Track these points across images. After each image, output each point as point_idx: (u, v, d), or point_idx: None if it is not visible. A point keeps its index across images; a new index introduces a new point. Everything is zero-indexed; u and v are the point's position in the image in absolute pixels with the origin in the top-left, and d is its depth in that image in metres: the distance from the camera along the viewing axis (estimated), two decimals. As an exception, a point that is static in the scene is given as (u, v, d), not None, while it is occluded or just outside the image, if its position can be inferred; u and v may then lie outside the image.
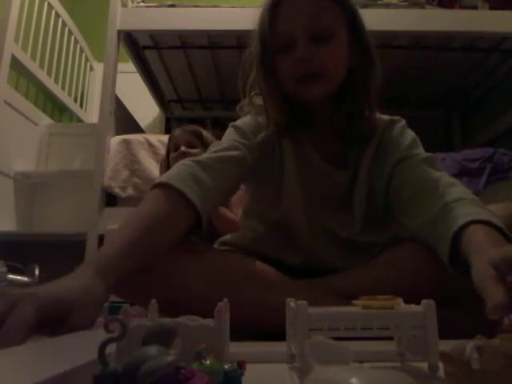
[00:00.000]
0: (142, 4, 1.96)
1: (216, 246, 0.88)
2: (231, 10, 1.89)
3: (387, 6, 1.92)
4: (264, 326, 0.62)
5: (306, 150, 0.80)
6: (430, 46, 2.05)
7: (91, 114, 2.69)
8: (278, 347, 0.45)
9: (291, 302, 0.42)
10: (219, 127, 1.40)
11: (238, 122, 0.82)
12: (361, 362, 0.40)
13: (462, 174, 1.72)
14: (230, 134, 0.80)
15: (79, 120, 2.61)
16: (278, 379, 0.39)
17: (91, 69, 2.75)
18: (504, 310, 0.38)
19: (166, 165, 1.45)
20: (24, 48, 2.00)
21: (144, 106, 2.58)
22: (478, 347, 0.29)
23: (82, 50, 2.57)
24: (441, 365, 0.36)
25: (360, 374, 0.24)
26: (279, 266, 0.75)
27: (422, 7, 1.93)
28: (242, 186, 0.88)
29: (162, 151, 1.69)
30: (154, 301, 0.41)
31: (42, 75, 2.17)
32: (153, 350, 0.23)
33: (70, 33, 2.41)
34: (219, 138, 0.84)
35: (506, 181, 1.73)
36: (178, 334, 0.27)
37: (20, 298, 0.44)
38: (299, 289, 0.69)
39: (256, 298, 0.68)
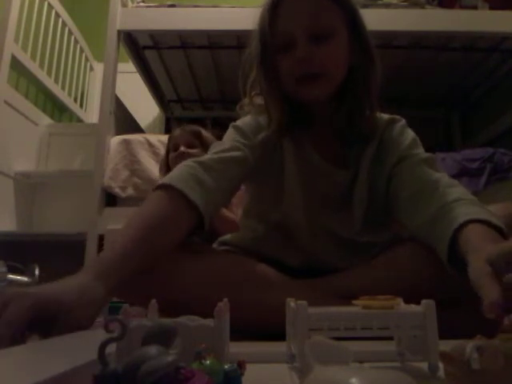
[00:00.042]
0: (142, 4, 1.96)
1: (215, 245, 0.88)
2: (231, 10, 1.89)
3: (387, 5, 1.92)
4: (264, 326, 0.62)
5: (306, 149, 0.80)
6: (430, 45, 2.05)
7: (91, 114, 2.69)
8: (278, 347, 0.45)
9: (291, 302, 0.42)
10: (219, 127, 1.40)
11: (238, 122, 0.82)
12: (361, 362, 0.40)
13: (461, 174, 1.72)
14: (230, 135, 0.80)
15: (79, 120, 2.61)
16: (277, 379, 0.39)
17: (91, 69, 2.75)
18: (500, 308, 0.38)
19: (165, 165, 1.45)
20: (24, 48, 2.00)
21: (144, 106, 2.57)
22: (478, 347, 0.29)
23: (82, 50, 2.57)
24: (441, 365, 0.36)
25: (360, 374, 0.24)
26: (279, 266, 0.75)
27: (422, 7, 1.93)
28: (242, 186, 0.88)
29: (162, 151, 1.69)
30: (153, 301, 0.41)
31: (41, 75, 2.17)
32: (153, 350, 0.23)
33: (70, 33, 2.41)
34: (219, 138, 0.84)
35: (506, 181, 1.73)
36: (178, 333, 0.27)
37: (12, 298, 0.44)
38: (299, 289, 0.69)
39: (256, 298, 0.68)
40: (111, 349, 0.25)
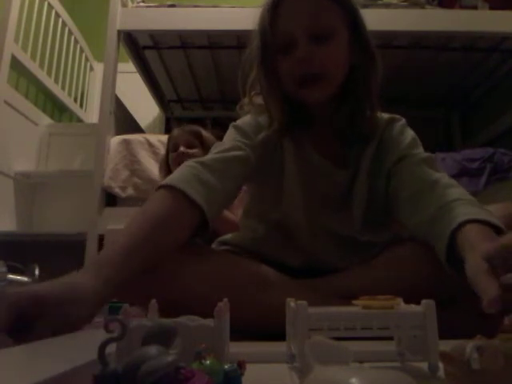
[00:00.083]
0: (142, 4, 1.96)
1: (215, 245, 0.88)
2: (231, 10, 1.89)
3: (387, 5, 1.92)
4: (264, 326, 0.62)
5: (306, 150, 0.80)
6: (430, 45, 2.05)
7: (91, 114, 2.69)
8: (278, 347, 0.45)
9: (291, 302, 0.42)
10: (219, 127, 1.41)
11: (238, 122, 0.82)
12: (361, 362, 0.40)
13: (461, 174, 1.72)
14: (231, 134, 0.80)
15: (79, 120, 2.61)
16: (278, 379, 0.39)
17: (91, 69, 2.75)
18: (499, 303, 0.38)
19: (165, 165, 1.45)
20: (24, 48, 2.00)
21: (144, 106, 2.58)
22: (478, 347, 0.29)
23: (82, 50, 2.57)
24: (441, 365, 0.36)
25: (360, 374, 0.24)
26: (279, 266, 0.75)
27: (422, 7, 1.93)
28: (243, 187, 0.88)
29: (162, 151, 1.69)
30: (154, 301, 0.41)
31: (41, 75, 2.17)
32: (153, 350, 0.23)
33: (70, 33, 2.41)
34: (219, 138, 0.84)
35: (506, 181, 1.73)
36: (178, 333, 0.27)
37: None
38: (299, 289, 0.69)
39: (256, 298, 0.68)
40: (111, 349, 0.25)
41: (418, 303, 0.40)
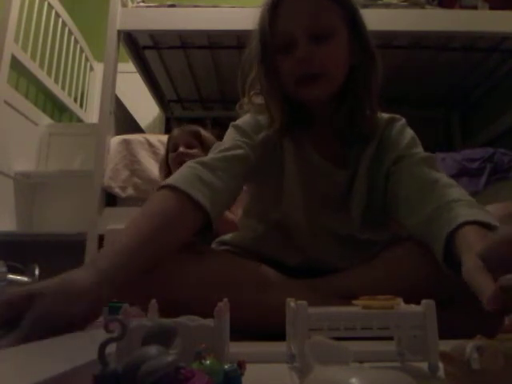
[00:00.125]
0: (142, 4, 1.96)
1: (214, 245, 0.88)
2: (231, 10, 1.89)
3: (387, 5, 1.92)
4: (264, 326, 0.62)
5: (306, 149, 0.80)
6: (430, 45, 2.05)
7: (91, 114, 2.69)
8: (278, 347, 0.45)
9: (291, 302, 0.42)
10: (219, 127, 1.41)
11: (238, 122, 0.82)
12: (361, 362, 0.40)
13: (461, 174, 1.72)
14: (231, 134, 0.80)
15: (79, 120, 2.61)
16: (278, 379, 0.39)
17: (91, 69, 2.75)
18: (498, 301, 0.38)
19: (165, 165, 1.45)
20: (24, 48, 2.00)
21: (144, 106, 2.58)
22: (478, 347, 0.29)
23: (82, 50, 2.57)
24: (441, 365, 0.36)
25: (360, 374, 0.24)
26: (279, 266, 0.75)
27: (422, 7, 1.93)
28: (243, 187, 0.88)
29: (162, 151, 1.69)
30: (154, 301, 0.41)
31: (41, 75, 2.17)
32: (153, 350, 0.23)
33: (70, 33, 2.41)
34: (219, 138, 0.84)
35: (506, 181, 1.73)
36: (178, 333, 0.27)
37: None
38: (299, 289, 0.69)
39: (256, 298, 0.68)
40: (111, 349, 0.25)
41: (418, 303, 0.40)
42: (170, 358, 0.23)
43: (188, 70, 2.30)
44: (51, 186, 2.14)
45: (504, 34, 1.90)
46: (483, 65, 2.20)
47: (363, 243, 0.79)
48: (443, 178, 0.70)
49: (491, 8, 1.95)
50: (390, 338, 0.44)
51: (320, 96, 0.76)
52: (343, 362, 0.31)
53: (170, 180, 0.67)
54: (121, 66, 1.90)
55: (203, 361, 0.27)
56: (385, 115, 0.82)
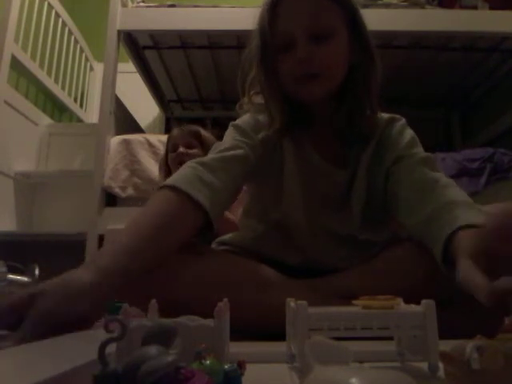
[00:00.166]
0: (142, 4, 1.96)
1: (214, 245, 0.88)
2: (231, 10, 1.89)
3: (387, 5, 1.92)
4: (264, 326, 0.62)
5: (306, 149, 0.80)
6: (430, 45, 2.05)
7: (91, 114, 2.69)
8: (278, 347, 0.45)
9: (291, 302, 0.42)
10: (219, 127, 1.41)
11: (238, 121, 0.82)
12: (361, 362, 0.40)
13: (461, 174, 1.72)
14: (230, 134, 0.80)
15: (79, 120, 2.61)
16: (278, 379, 0.39)
17: (91, 69, 2.75)
18: (496, 295, 0.37)
19: (165, 165, 1.45)
20: (24, 48, 2.01)
21: (144, 106, 2.58)
22: (478, 347, 0.29)
23: (82, 50, 2.57)
24: (441, 365, 0.36)
25: (360, 374, 0.24)
26: (279, 266, 0.75)
27: (422, 7, 1.93)
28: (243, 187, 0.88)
29: (162, 151, 1.69)
30: (153, 301, 0.41)
31: (42, 75, 2.17)
32: (153, 350, 0.23)
33: (70, 33, 2.41)
34: (219, 138, 0.84)
35: (506, 181, 1.73)
36: (178, 333, 0.27)
37: None
38: (299, 289, 0.68)
39: (256, 298, 0.68)
40: (111, 349, 0.25)
41: (418, 303, 0.40)
42: (170, 358, 0.23)
43: (188, 70, 2.30)
44: (51, 186, 2.14)
45: (504, 33, 1.90)
46: (483, 65, 2.20)
47: (363, 243, 0.79)
48: (442, 178, 0.70)
49: (491, 8, 1.95)
50: (390, 338, 0.44)
51: (319, 95, 0.76)
52: (343, 362, 0.31)
53: (171, 180, 0.67)
54: (121, 66, 1.90)
55: (203, 361, 0.27)
56: (385, 115, 0.82)
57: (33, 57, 2.08)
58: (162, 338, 0.26)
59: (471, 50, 2.06)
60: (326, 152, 0.80)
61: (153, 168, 1.76)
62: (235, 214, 1.16)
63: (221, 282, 0.68)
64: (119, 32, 1.86)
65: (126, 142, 1.81)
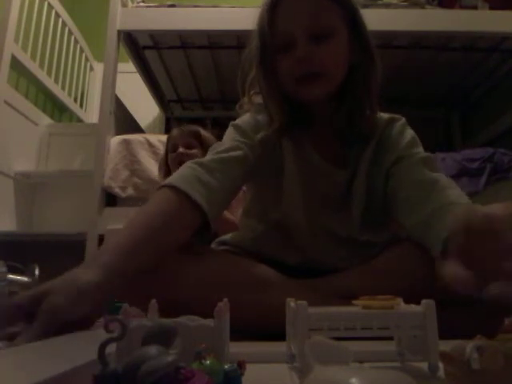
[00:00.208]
0: (142, 4, 1.96)
1: (214, 245, 0.88)
2: (231, 10, 1.89)
3: (387, 5, 1.92)
4: (264, 326, 0.62)
5: (306, 149, 0.80)
6: (430, 45, 2.05)
7: (91, 114, 2.69)
8: (278, 347, 0.45)
9: (291, 302, 0.42)
10: (219, 127, 1.41)
11: (238, 121, 0.82)
12: (361, 362, 0.40)
13: (461, 174, 1.72)
14: (230, 134, 0.80)
15: (79, 120, 2.61)
16: (278, 379, 0.39)
17: (91, 69, 2.75)
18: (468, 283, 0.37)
19: (164, 165, 1.45)
20: (24, 48, 2.00)
21: (144, 106, 2.58)
22: (478, 347, 0.29)
23: (82, 50, 2.57)
24: (441, 365, 0.36)
25: (360, 374, 0.24)
26: (279, 266, 0.75)
27: (422, 7, 1.93)
28: (243, 187, 0.88)
29: (162, 151, 1.69)
30: (154, 301, 0.41)
31: (42, 75, 2.17)
32: (153, 350, 0.23)
33: (70, 33, 2.41)
34: (219, 138, 0.84)
35: (506, 181, 1.73)
36: (178, 333, 0.27)
37: None
38: (299, 289, 0.68)
39: (256, 298, 0.68)
40: (111, 349, 0.25)
41: (418, 303, 0.40)
42: (170, 358, 0.23)
43: (188, 70, 2.30)
44: (51, 186, 2.14)
45: (504, 33, 1.90)
46: (483, 65, 2.19)
47: (363, 244, 0.79)
48: (442, 178, 0.70)
49: (491, 8, 1.95)
50: (390, 338, 0.44)
51: (319, 95, 0.76)
52: (343, 362, 0.31)
53: (170, 180, 0.67)
54: (121, 66, 1.90)
55: (203, 361, 0.27)
56: (385, 115, 0.82)
57: (33, 57, 2.08)
58: (162, 338, 0.26)
59: (471, 50, 2.06)
60: (326, 152, 0.80)
61: (153, 168, 1.76)
62: (235, 214, 1.16)
63: (221, 282, 0.68)
64: (119, 32, 1.86)
65: (126, 142, 1.81)
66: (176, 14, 1.88)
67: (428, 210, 0.65)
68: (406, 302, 0.42)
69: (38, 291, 0.47)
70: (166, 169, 1.43)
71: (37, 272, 1.45)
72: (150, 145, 1.83)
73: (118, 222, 1.55)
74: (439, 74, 2.30)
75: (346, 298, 0.46)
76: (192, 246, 0.70)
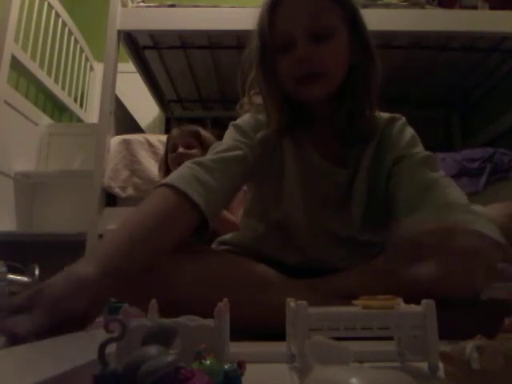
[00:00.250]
0: (142, 4, 1.96)
1: (215, 245, 0.88)
2: (231, 10, 1.89)
3: (387, 5, 1.92)
4: (264, 326, 0.62)
5: (306, 149, 0.80)
6: (430, 45, 2.05)
7: (91, 114, 2.69)
8: (278, 347, 0.45)
9: (291, 302, 0.42)
10: (219, 127, 1.41)
11: (238, 121, 0.82)
12: (361, 362, 0.40)
13: (461, 174, 1.72)
14: (230, 134, 0.80)
15: (79, 120, 2.61)
16: (278, 379, 0.39)
17: (91, 69, 2.75)
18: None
19: (164, 165, 1.45)
20: (24, 48, 2.01)
21: (144, 106, 2.58)
22: (478, 347, 0.29)
23: (82, 50, 2.57)
24: (441, 365, 0.36)
25: (360, 374, 0.24)
26: (279, 266, 0.75)
27: (422, 7, 1.93)
28: (243, 188, 0.88)
29: (162, 151, 1.69)
30: (153, 301, 0.41)
31: (42, 75, 2.17)
32: (153, 350, 0.23)
33: (70, 33, 2.41)
34: (219, 138, 0.84)
35: (506, 181, 1.73)
36: (178, 333, 0.27)
37: None
38: (299, 289, 0.68)
39: (256, 298, 0.68)
40: (111, 349, 0.25)
41: (418, 303, 0.40)
42: (170, 358, 0.23)
43: (188, 70, 2.30)
44: (51, 186, 2.14)
45: (504, 33, 1.90)
46: (483, 65, 2.20)
47: (363, 244, 0.79)
48: (442, 178, 0.70)
49: (491, 8, 1.95)
50: (390, 338, 0.44)
51: (319, 95, 0.76)
52: (343, 362, 0.31)
53: (168, 179, 0.68)
54: (121, 66, 1.90)
55: (203, 361, 0.27)
56: (385, 115, 0.82)
57: (33, 57, 2.08)
58: (162, 338, 0.26)
59: (471, 50, 2.07)
60: (326, 152, 0.80)
61: (153, 168, 1.76)
62: (236, 214, 1.16)
63: (221, 282, 0.68)
64: (119, 32, 1.86)
65: (126, 142, 1.81)
66: (176, 13, 1.88)
67: (427, 211, 0.65)
68: (407, 301, 0.42)
69: (37, 287, 0.48)
70: (166, 169, 1.43)
71: (37, 272, 1.45)
72: (150, 145, 1.83)
73: (117, 222, 1.55)
74: (439, 73, 2.30)
75: (346, 298, 0.46)
76: (190, 245, 0.70)
